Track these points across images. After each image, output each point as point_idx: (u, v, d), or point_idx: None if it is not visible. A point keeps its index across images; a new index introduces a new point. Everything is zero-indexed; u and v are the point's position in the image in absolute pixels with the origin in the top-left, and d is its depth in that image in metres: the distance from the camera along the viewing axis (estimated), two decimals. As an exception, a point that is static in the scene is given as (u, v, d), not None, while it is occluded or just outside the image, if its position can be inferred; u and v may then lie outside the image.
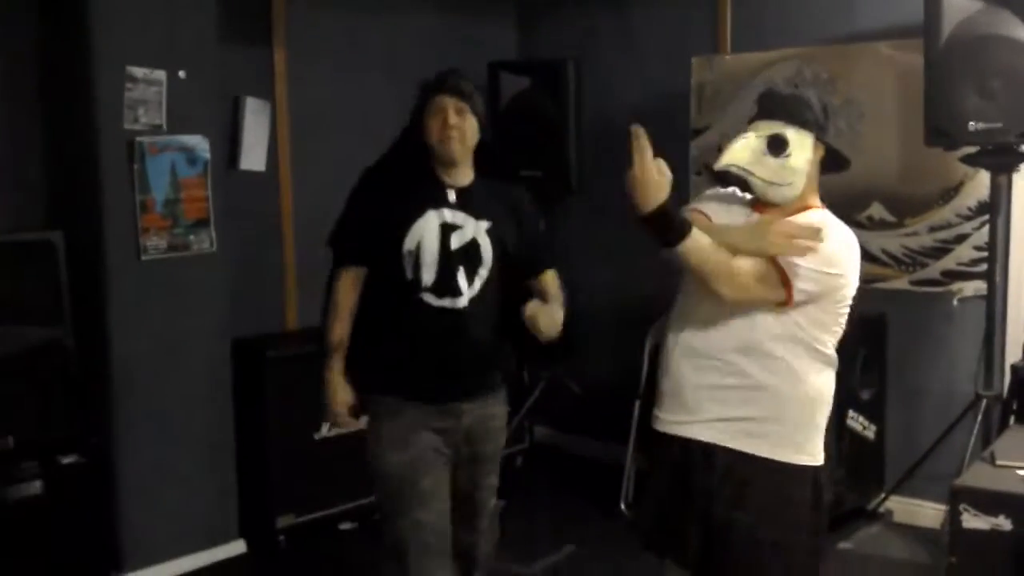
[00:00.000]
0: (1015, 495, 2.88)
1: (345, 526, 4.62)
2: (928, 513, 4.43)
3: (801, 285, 2.47)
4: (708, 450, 2.57)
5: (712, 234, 2.53)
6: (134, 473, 4.05)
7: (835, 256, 2.51)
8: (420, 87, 3.03)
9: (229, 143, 4.58)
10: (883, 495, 4.54)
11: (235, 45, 4.51)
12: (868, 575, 4.21)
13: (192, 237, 4.16)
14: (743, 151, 2.57)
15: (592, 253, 5.44)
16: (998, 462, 3.09)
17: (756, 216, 2.62)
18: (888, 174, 4.54)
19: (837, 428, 4.13)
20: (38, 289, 3.82)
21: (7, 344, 3.72)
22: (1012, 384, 4.00)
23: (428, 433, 2.99)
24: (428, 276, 2.95)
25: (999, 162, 3.97)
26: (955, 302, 4.41)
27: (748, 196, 2.68)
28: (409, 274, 2.97)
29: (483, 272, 3.00)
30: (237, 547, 4.40)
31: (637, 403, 4.77)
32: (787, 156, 2.55)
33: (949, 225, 4.42)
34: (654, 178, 2.47)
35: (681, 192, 4.95)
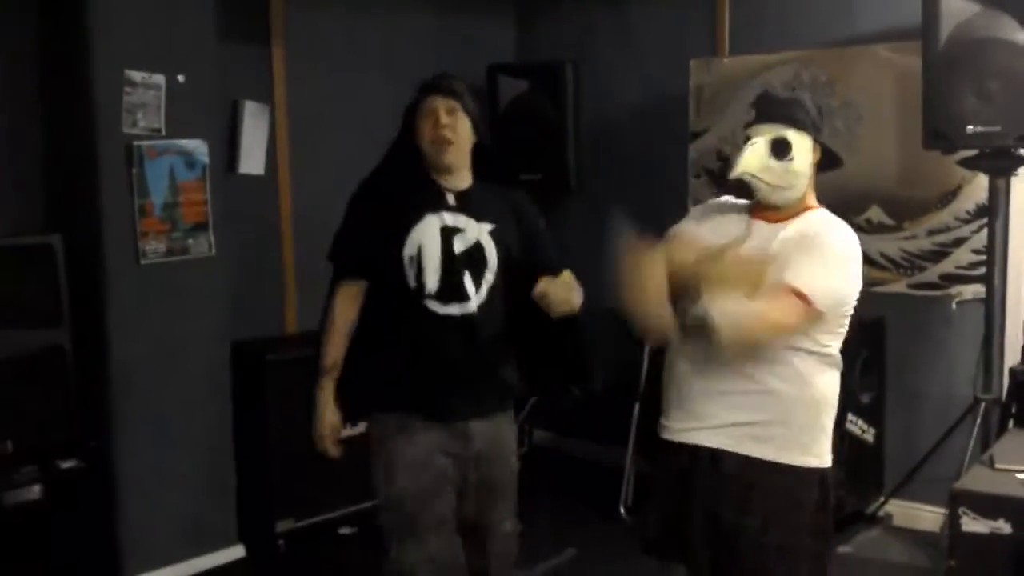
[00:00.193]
0: (1014, 499, 2.89)
1: (345, 531, 4.61)
2: (927, 517, 4.43)
3: (822, 302, 2.46)
4: (716, 456, 2.56)
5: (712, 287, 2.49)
6: (133, 477, 4.05)
7: (842, 258, 2.52)
8: (416, 91, 2.99)
9: (228, 147, 4.58)
10: (882, 499, 4.54)
11: (234, 49, 4.51)
12: (867, 579, 4.22)
13: (191, 241, 4.16)
14: (753, 158, 2.56)
15: (591, 254, 5.39)
16: (997, 465, 3.10)
17: (753, 223, 2.62)
18: (887, 177, 4.54)
19: (837, 431, 4.12)
20: (37, 293, 3.81)
21: (6, 348, 3.71)
22: (1011, 387, 4.00)
23: (440, 458, 2.89)
24: (432, 282, 2.87)
25: (997, 165, 3.97)
26: (954, 305, 4.41)
27: (743, 202, 2.70)
28: (412, 281, 2.88)
29: (490, 276, 2.92)
30: (236, 551, 4.39)
31: (637, 406, 4.82)
32: (791, 159, 2.55)
33: (948, 228, 4.42)
34: (654, 303, 2.48)
35: (679, 195, 5.02)
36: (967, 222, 4.37)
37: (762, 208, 2.64)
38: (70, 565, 3.80)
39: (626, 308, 2.50)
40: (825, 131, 2.67)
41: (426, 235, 2.89)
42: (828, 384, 2.62)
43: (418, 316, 2.88)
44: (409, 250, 2.88)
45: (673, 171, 5.15)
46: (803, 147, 2.57)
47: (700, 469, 2.58)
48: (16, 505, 3.65)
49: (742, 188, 2.65)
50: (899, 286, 4.50)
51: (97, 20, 3.88)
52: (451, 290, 2.88)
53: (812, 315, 2.47)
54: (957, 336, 4.41)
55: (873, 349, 4.50)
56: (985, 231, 4.16)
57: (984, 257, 4.18)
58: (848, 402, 4.27)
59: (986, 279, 4.13)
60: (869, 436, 4.49)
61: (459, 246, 2.90)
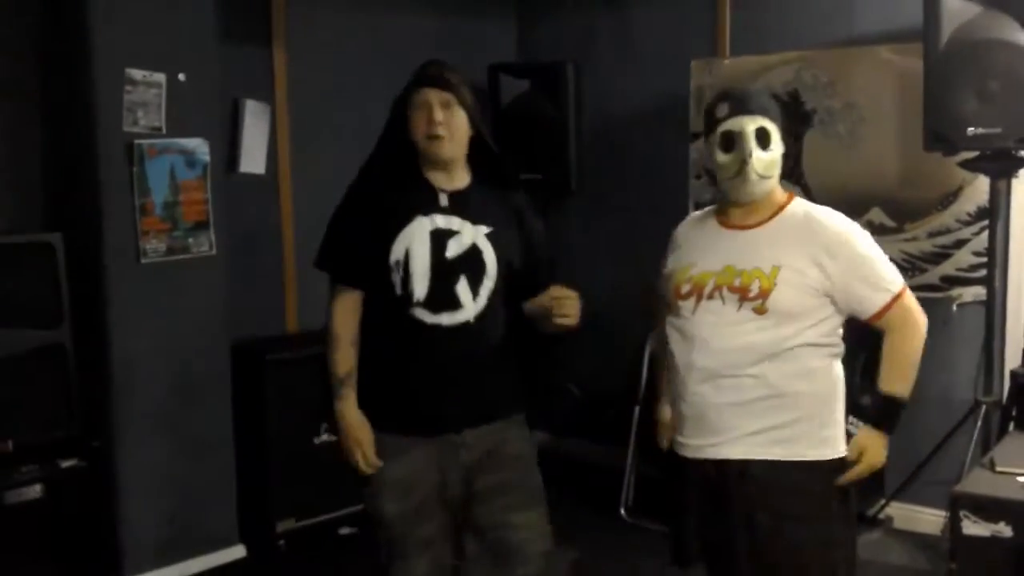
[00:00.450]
0: (1015, 501, 2.89)
1: (345, 531, 4.60)
2: (928, 519, 4.43)
3: (898, 275, 2.67)
4: (743, 466, 2.57)
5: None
6: (134, 477, 4.05)
7: (864, 235, 2.64)
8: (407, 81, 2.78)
9: (229, 146, 4.58)
10: (883, 501, 4.53)
11: (235, 48, 4.51)
12: (867, 581, 4.22)
13: (191, 240, 4.15)
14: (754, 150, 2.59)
15: (592, 255, 5.44)
16: (998, 468, 3.10)
17: (722, 231, 2.68)
18: (887, 179, 4.54)
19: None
20: (37, 292, 3.80)
21: (6, 347, 3.71)
22: (1012, 390, 4.00)
23: (431, 474, 2.72)
24: (420, 289, 2.66)
25: (998, 167, 3.97)
26: (954, 307, 4.40)
27: (703, 211, 2.80)
28: (399, 289, 2.68)
29: (488, 282, 2.71)
30: (237, 551, 4.39)
31: (637, 408, 4.82)
32: (771, 150, 2.59)
33: (948, 230, 4.41)
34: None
35: (680, 196, 5.02)
36: (968, 224, 4.37)
37: (734, 210, 2.66)
38: (70, 564, 3.80)
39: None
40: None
41: (415, 239, 2.68)
42: (837, 375, 2.66)
43: (405, 326, 2.68)
44: (395, 255, 2.68)
45: (674, 172, 5.15)
46: (776, 138, 2.61)
47: (731, 481, 2.58)
48: (17, 504, 3.65)
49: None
50: (900, 288, 4.50)
51: (98, 18, 3.88)
52: (442, 298, 2.68)
53: (912, 304, 2.64)
54: (958, 338, 4.40)
55: (873, 351, 4.48)
56: (986, 233, 4.15)
57: (985, 259, 4.17)
58: (848, 404, 4.25)
59: (987, 281, 4.12)
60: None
61: (453, 250, 2.70)
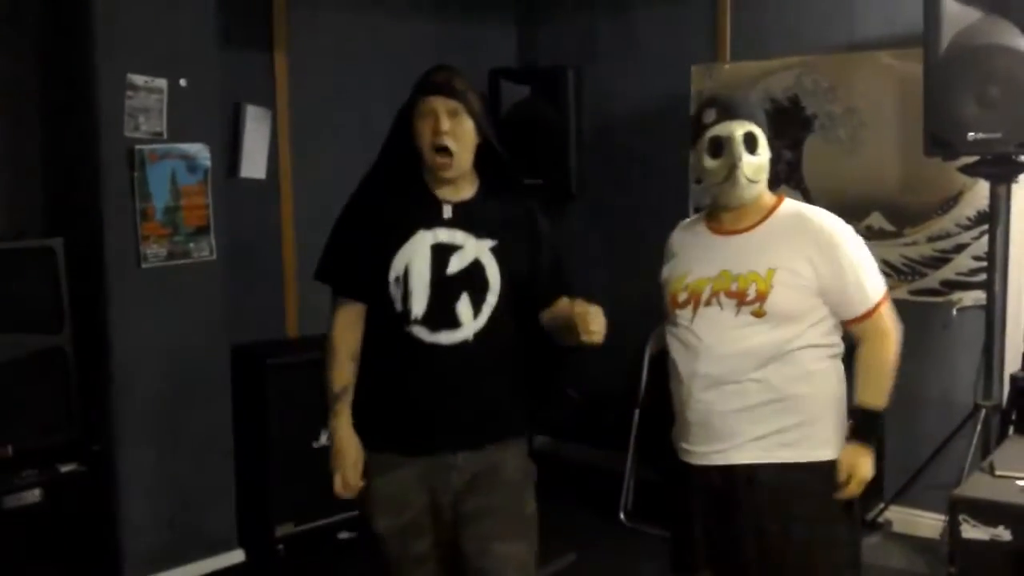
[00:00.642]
0: (1015, 505, 2.88)
1: (344, 535, 4.60)
2: (927, 523, 4.43)
3: (882, 282, 2.65)
4: (751, 471, 2.57)
5: None
6: (134, 481, 4.05)
7: (854, 240, 2.62)
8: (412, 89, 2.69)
9: (230, 151, 4.59)
10: (882, 505, 4.53)
11: (236, 53, 4.52)
12: (868, 585, 4.21)
13: (192, 245, 4.16)
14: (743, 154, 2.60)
15: (592, 259, 5.45)
16: (997, 472, 3.09)
17: (715, 237, 2.68)
18: (888, 183, 4.54)
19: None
20: (38, 296, 3.81)
21: (7, 351, 3.71)
22: (1011, 394, 3.99)
23: (421, 495, 2.65)
24: (418, 306, 2.58)
25: (998, 172, 3.97)
26: (954, 312, 4.40)
27: (692, 218, 2.82)
28: (398, 305, 2.60)
29: (491, 299, 2.62)
30: (236, 556, 4.38)
31: (637, 412, 4.82)
32: (759, 154, 2.60)
33: (948, 235, 4.42)
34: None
35: (680, 200, 5.02)
36: (968, 228, 4.37)
37: (719, 213, 2.67)
38: (70, 568, 3.80)
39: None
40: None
41: (416, 254, 2.60)
42: (837, 375, 2.66)
43: (403, 344, 2.60)
44: (395, 271, 2.60)
45: (674, 176, 5.15)
46: (764, 142, 2.62)
47: (738, 487, 2.58)
48: (16, 508, 3.65)
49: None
50: (900, 292, 4.50)
51: (99, 24, 3.88)
52: (441, 316, 2.58)
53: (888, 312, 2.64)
54: (958, 342, 4.40)
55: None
56: (986, 237, 4.15)
57: (985, 263, 4.17)
58: (848, 408, 4.26)
59: (987, 285, 4.12)
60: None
61: (454, 266, 2.61)
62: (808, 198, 4.53)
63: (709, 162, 2.61)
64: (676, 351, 2.68)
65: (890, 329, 2.63)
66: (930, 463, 4.27)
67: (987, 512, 2.88)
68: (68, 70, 4.00)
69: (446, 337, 2.59)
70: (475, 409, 2.64)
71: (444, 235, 2.62)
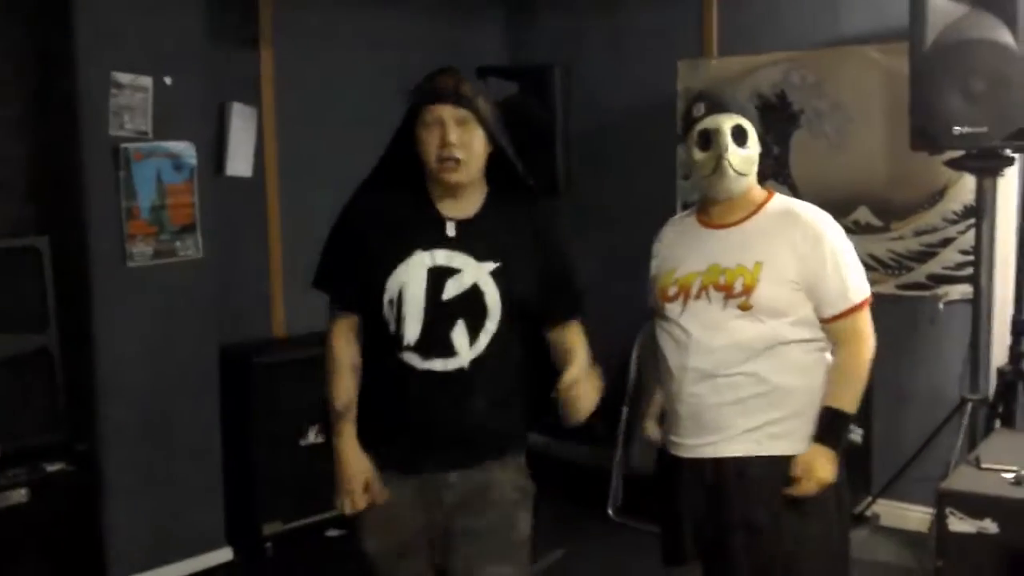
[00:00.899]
0: (1001, 498, 2.90)
1: (332, 533, 4.59)
2: (915, 516, 4.44)
3: (865, 286, 2.64)
4: (741, 463, 2.58)
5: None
6: (121, 480, 4.03)
7: (841, 240, 2.62)
8: (412, 93, 2.51)
9: (215, 149, 4.57)
10: (870, 499, 4.55)
11: (222, 51, 4.50)
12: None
13: (178, 243, 4.14)
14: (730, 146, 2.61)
15: (579, 256, 5.42)
16: (984, 465, 3.10)
17: (704, 230, 2.69)
18: (874, 178, 4.55)
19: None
20: (23, 295, 3.79)
21: (-8, 350, 3.70)
22: (998, 387, 4.02)
23: (416, 514, 2.54)
24: (411, 332, 2.44)
25: (984, 166, 3.98)
26: (941, 306, 4.42)
27: (682, 214, 2.83)
28: (392, 328, 2.47)
29: (490, 325, 2.46)
30: (224, 554, 4.37)
31: (625, 409, 4.82)
32: (748, 147, 2.61)
33: (935, 229, 4.43)
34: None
35: (668, 196, 5.02)
36: (954, 223, 4.38)
37: (708, 206, 2.68)
38: (57, 568, 3.78)
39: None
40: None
41: (411, 277, 2.45)
42: (827, 368, 2.65)
43: (397, 367, 2.47)
44: (389, 293, 2.46)
45: (661, 173, 5.16)
46: (753, 136, 2.62)
47: (729, 480, 2.59)
48: (2, 508, 3.63)
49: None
50: (887, 287, 4.51)
51: (84, 22, 3.87)
52: (435, 343, 2.44)
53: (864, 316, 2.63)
54: (944, 336, 4.42)
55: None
56: (972, 232, 4.17)
57: (971, 257, 4.19)
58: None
59: (973, 279, 4.14)
60: (857, 436, 4.48)
61: (451, 291, 2.45)
62: (795, 193, 4.54)
63: (698, 154, 2.62)
64: (665, 345, 2.68)
65: (868, 334, 2.62)
66: (917, 456, 4.29)
67: (974, 505, 2.90)
68: (53, 68, 3.98)
69: (440, 365, 2.46)
70: (469, 433, 2.52)
71: (442, 257, 2.47)
